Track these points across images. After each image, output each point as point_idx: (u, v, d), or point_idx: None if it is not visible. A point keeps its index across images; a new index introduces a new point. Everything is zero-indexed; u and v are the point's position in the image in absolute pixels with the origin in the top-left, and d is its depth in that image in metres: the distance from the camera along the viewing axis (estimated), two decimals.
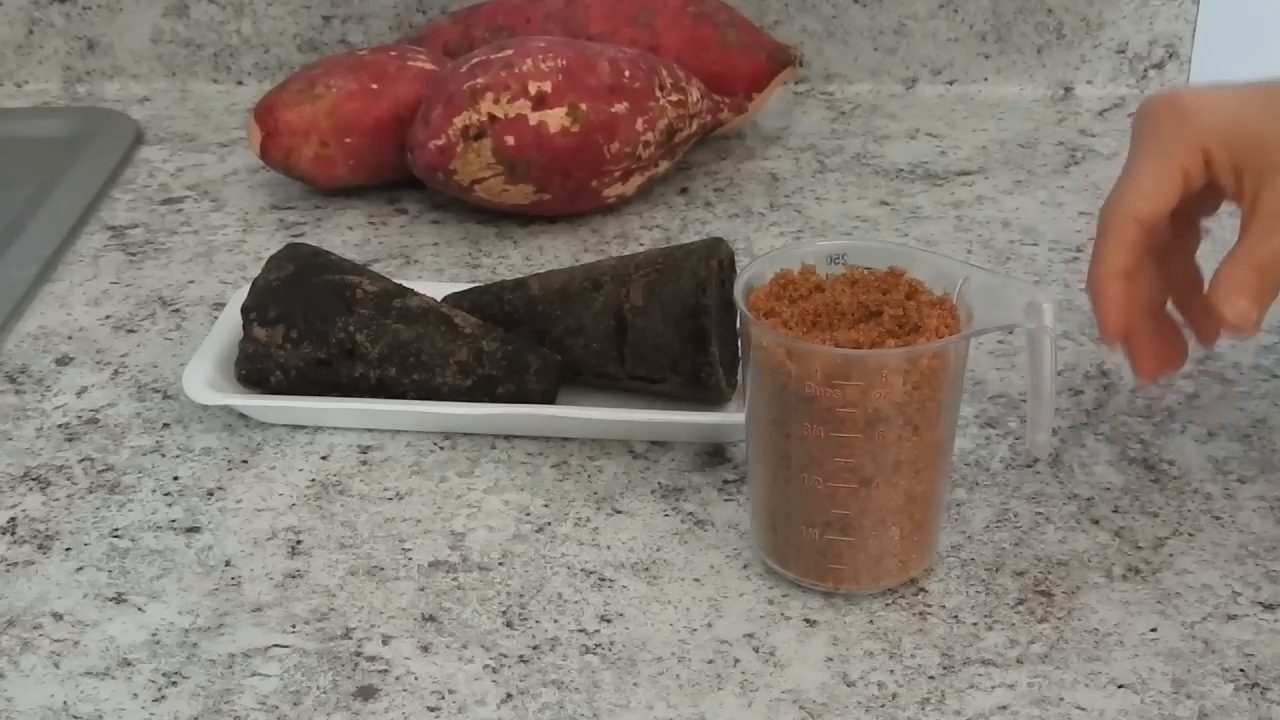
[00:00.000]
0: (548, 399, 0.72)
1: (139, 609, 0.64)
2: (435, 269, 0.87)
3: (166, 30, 1.08)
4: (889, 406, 0.59)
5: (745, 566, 0.65)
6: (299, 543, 0.67)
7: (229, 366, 0.75)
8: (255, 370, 0.73)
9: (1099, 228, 0.64)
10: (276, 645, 0.62)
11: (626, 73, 0.89)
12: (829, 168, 0.98)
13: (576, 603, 0.64)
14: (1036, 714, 0.58)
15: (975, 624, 0.62)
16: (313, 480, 0.71)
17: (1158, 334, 0.67)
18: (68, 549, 0.67)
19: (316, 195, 0.95)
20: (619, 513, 0.69)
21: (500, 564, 0.66)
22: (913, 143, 1.01)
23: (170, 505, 0.69)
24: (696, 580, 0.65)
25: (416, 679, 0.60)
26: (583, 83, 0.87)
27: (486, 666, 0.61)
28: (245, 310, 0.73)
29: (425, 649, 0.61)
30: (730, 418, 0.71)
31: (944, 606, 0.63)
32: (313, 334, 0.72)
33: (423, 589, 0.64)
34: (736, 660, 0.61)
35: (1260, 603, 0.63)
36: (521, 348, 0.72)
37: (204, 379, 0.73)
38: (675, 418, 0.71)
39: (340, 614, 0.63)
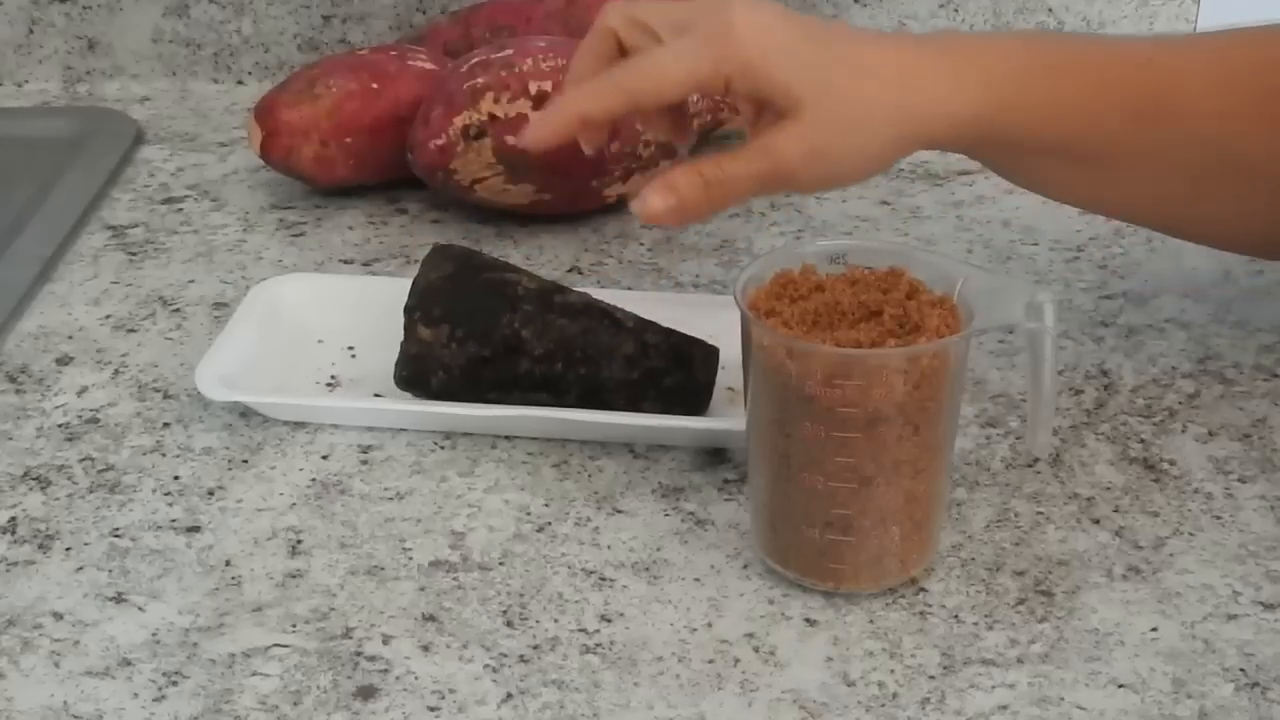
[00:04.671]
0: (709, 389, 0.73)
1: (139, 609, 0.64)
2: None
3: (167, 30, 1.08)
4: (889, 406, 0.59)
5: (745, 566, 0.65)
6: (299, 542, 0.67)
7: (235, 366, 0.74)
8: (417, 372, 0.73)
9: (621, 83, 0.68)
10: (277, 645, 0.62)
11: None
12: None
13: (577, 602, 0.64)
14: (1036, 714, 0.58)
15: (975, 624, 0.62)
16: (313, 480, 0.71)
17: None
18: (68, 549, 0.67)
19: (316, 195, 0.95)
20: (619, 512, 0.69)
21: (500, 564, 0.66)
22: None
23: (170, 505, 0.69)
24: (697, 580, 0.65)
25: (417, 679, 0.60)
26: None
27: (487, 666, 0.61)
28: (409, 310, 0.72)
29: (425, 649, 0.61)
30: (731, 423, 0.71)
31: (944, 606, 0.63)
32: (478, 332, 0.72)
33: (423, 589, 0.64)
34: (737, 660, 0.61)
35: (1260, 602, 0.63)
36: (684, 339, 0.72)
37: (217, 375, 0.73)
38: (676, 423, 0.71)
39: (340, 614, 0.63)
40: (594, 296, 0.74)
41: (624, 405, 0.72)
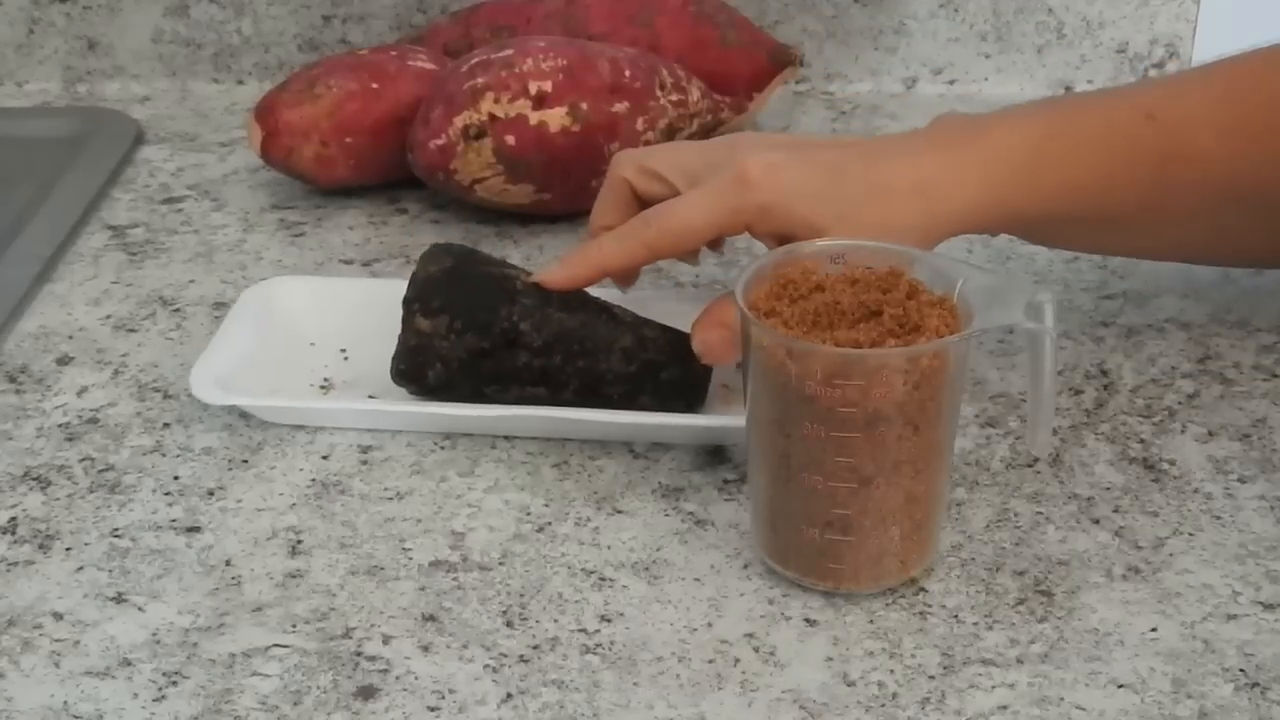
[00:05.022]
0: (705, 383, 0.73)
1: (139, 609, 0.64)
2: None
3: (167, 30, 1.08)
4: (889, 406, 0.59)
5: (745, 566, 0.65)
6: (299, 542, 0.67)
7: (229, 369, 0.74)
8: (414, 365, 0.72)
9: (642, 237, 0.70)
10: (277, 645, 0.62)
11: (627, 72, 0.89)
12: None
13: (577, 602, 0.64)
14: (1036, 714, 0.58)
15: (975, 624, 0.62)
16: (313, 480, 0.71)
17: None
18: (68, 549, 0.67)
19: (317, 195, 0.95)
20: (619, 512, 0.69)
21: (500, 564, 0.66)
22: None
23: (170, 505, 0.69)
24: (697, 580, 0.65)
25: (417, 679, 0.60)
26: (583, 82, 0.87)
27: (487, 666, 0.61)
28: (408, 302, 0.72)
29: (425, 649, 0.61)
30: (731, 420, 0.71)
31: (944, 606, 0.63)
32: (477, 324, 0.72)
33: (423, 589, 0.64)
34: (737, 660, 0.61)
35: (1260, 603, 0.63)
36: (681, 334, 0.72)
37: (212, 378, 0.73)
38: (676, 420, 0.71)
39: (340, 614, 0.63)
40: (592, 294, 0.75)
41: (621, 399, 0.72)
